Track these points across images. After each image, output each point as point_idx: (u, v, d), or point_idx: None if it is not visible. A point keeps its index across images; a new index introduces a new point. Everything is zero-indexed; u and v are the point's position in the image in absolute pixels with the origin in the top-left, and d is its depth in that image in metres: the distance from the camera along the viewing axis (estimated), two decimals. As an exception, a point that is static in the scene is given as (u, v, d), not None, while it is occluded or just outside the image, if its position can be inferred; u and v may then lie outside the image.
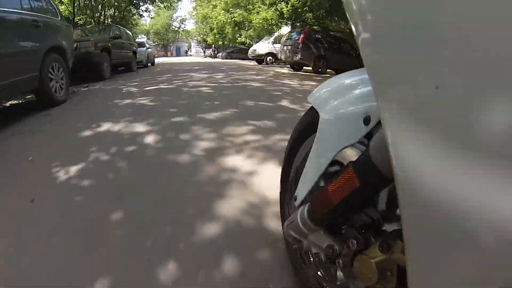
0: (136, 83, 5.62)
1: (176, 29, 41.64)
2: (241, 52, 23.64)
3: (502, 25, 0.21)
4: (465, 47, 0.23)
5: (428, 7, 0.26)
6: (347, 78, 0.62)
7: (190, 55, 41.88)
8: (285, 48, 9.07)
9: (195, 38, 37.99)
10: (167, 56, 40.94)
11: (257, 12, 12.80)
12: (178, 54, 43.75)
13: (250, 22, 14.57)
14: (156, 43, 40.24)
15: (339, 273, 0.58)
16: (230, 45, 26.38)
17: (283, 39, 9.66)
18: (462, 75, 0.24)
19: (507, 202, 0.21)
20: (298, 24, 11.89)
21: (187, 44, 44.95)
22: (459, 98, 0.24)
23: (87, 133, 2.33)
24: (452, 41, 0.24)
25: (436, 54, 0.25)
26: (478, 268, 0.25)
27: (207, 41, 28.32)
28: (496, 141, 0.22)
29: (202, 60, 22.37)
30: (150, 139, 2.16)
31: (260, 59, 13.67)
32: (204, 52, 31.07)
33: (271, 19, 11.53)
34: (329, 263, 0.55)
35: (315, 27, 11.23)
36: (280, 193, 0.89)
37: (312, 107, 0.68)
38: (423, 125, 0.27)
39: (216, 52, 27.58)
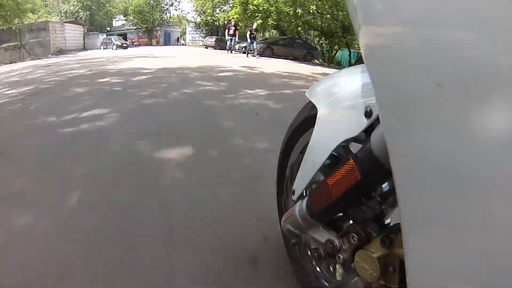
0: None
1: (167, 7, 28.67)
2: (291, 45, 12.22)
3: (503, 24, 0.21)
4: (466, 45, 0.23)
5: (429, 4, 0.26)
6: (347, 74, 0.62)
7: (183, 44, 27.52)
8: None
9: (192, 22, 27.09)
10: (151, 44, 26.65)
11: None
12: (167, 42, 28.62)
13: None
14: (137, 26, 27.46)
15: (339, 268, 0.57)
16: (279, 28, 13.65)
17: None
18: (463, 72, 0.24)
19: (504, 196, 0.21)
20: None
21: (180, 30, 30.30)
22: (460, 95, 0.24)
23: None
24: (453, 39, 0.24)
25: (438, 51, 0.25)
26: (476, 262, 0.25)
27: (230, 17, 13.74)
28: (496, 138, 0.22)
29: (230, 64, 7.25)
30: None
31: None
32: (230, 39, 10.86)
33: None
34: (328, 259, 0.53)
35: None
36: (277, 187, 0.87)
37: (309, 102, 0.67)
38: (422, 121, 0.27)
39: (254, 39, 11.05)
